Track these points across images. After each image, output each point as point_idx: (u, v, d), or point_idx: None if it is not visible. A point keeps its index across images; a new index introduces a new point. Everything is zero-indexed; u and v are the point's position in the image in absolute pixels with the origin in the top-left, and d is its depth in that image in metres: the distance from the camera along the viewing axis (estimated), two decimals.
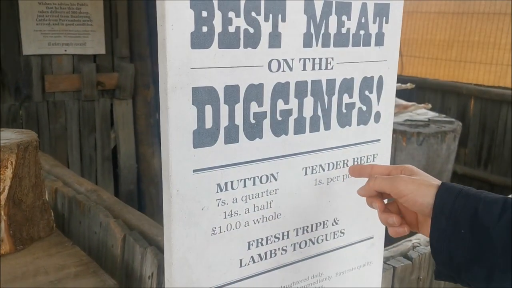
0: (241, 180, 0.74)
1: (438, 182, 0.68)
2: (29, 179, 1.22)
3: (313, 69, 0.79)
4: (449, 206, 0.63)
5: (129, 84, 3.39)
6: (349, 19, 0.82)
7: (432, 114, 3.30)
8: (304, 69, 0.78)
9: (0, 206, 1.14)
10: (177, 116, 0.67)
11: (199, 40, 0.67)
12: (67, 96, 3.24)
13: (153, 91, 3.51)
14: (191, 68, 0.67)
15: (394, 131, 2.80)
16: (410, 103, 3.39)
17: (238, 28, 0.70)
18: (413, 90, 3.90)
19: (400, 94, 3.57)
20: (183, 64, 0.66)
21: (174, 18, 0.65)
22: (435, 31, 4.85)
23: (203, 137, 0.69)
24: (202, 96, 0.69)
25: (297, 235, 0.81)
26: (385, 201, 0.75)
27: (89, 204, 1.42)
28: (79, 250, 1.23)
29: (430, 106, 3.46)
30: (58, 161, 2.06)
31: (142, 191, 3.60)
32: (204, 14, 0.67)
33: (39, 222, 1.26)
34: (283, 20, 0.74)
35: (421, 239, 1.28)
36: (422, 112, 3.33)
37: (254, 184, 0.75)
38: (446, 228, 0.63)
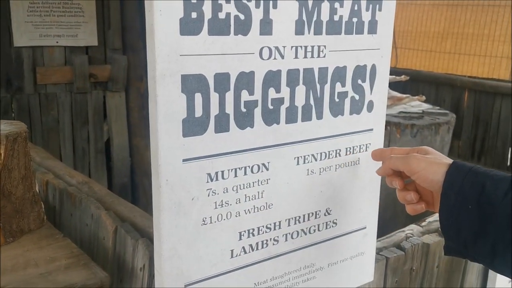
0: (232, 169, 0.72)
1: (449, 160, 0.71)
2: (18, 171, 1.20)
3: (305, 57, 0.78)
4: (459, 183, 0.66)
5: (122, 76, 3.36)
6: (341, 6, 0.81)
7: (426, 106, 3.30)
8: (296, 57, 0.77)
9: None
10: (166, 104, 0.65)
11: (189, 26, 0.66)
12: (59, 88, 3.21)
13: (146, 83, 3.48)
14: (180, 55, 0.66)
15: (388, 123, 2.80)
16: (404, 95, 3.38)
17: (228, 14, 0.69)
18: (407, 82, 3.89)
19: (394, 86, 3.56)
20: (172, 51, 0.65)
21: (163, 4, 0.63)
22: (429, 23, 4.84)
23: (192, 126, 0.68)
24: (192, 84, 0.67)
25: (289, 225, 0.81)
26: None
27: (80, 196, 1.41)
28: (70, 242, 1.22)
29: (424, 98, 3.46)
30: (50, 154, 2.04)
31: (136, 184, 3.58)
32: (193, 0, 0.66)
33: (29, 214, 1.25)
34: (275, 6, 0.73)
35: (414, 230, 1.28)
36: (416, 104, 3.33)
37: (245, 174, 0.74)
38: (455, 205, 0.66)
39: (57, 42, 3.14)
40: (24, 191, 1.22)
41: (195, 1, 0.66)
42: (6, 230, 1.19)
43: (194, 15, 0.66)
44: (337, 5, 0.80)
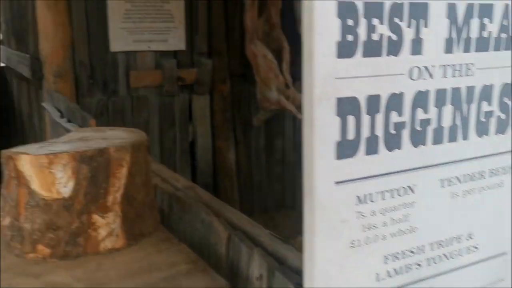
0: (379, 192, 0.71)
1: None
2: (140, 177, 1.27)
3: (454, 75, 0.75)
4: None
5: (207, 80, 3.45)
6: (491, 22, 0.77)
7: None
8: (445, 76, 0.74)
9: (117, 203, 1.20)
10: (322, 128, 0.66)
11: (345, 49, 0.66)
12: (150, 91, 3.35)
13: (230, 86, 3.56)
14: (336, 78, 0.66)
15: None
16: None
17: (381, 35, 0.68)
18: None
19: None
20: (329, 74, 0.65)
21: (322, 27, 0.64)
22: None
23: (345, 149, 0.68)
24: (346, 107, 0.67)
25: (432, 249, 0.78)
26: None
27: (190, 201, 1.46)
28: (186, 247, 1.27)
29: None
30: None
31: (217, 184, 3.67)
32: (350, 22, 0.66)
33: (147, 218, 1.31)
34: (426, 25, 0.71)
35: None
36: None
37: (392, 196, 0.73)
38: None
39: (148, 47, 3.29)
40: (144, 196, 1.29)
41: (351, 24, 0.66)
42: (129, 234, 1.26)
43: (350, 37, 0.66)
44: (486, 20, 0.77)
